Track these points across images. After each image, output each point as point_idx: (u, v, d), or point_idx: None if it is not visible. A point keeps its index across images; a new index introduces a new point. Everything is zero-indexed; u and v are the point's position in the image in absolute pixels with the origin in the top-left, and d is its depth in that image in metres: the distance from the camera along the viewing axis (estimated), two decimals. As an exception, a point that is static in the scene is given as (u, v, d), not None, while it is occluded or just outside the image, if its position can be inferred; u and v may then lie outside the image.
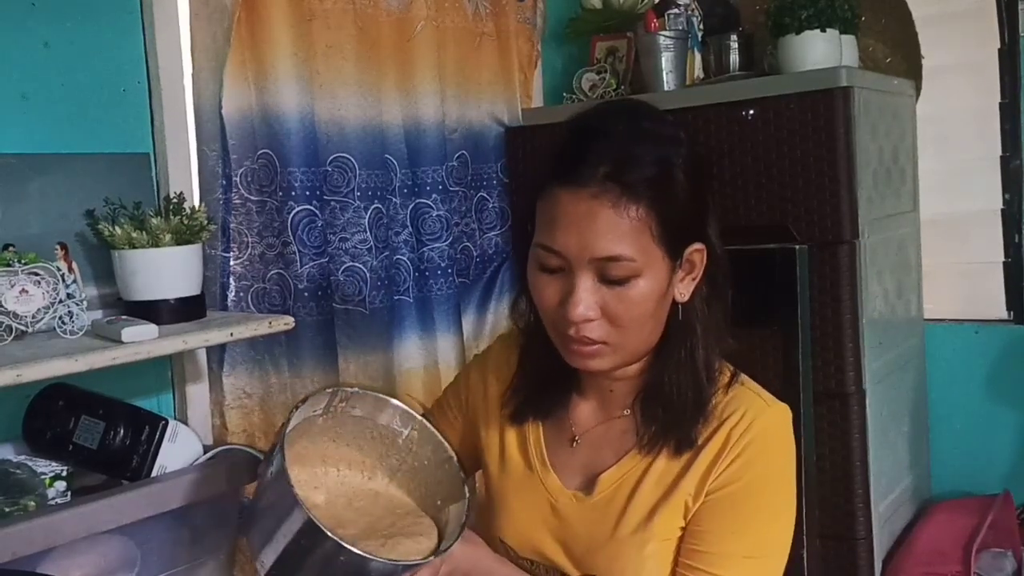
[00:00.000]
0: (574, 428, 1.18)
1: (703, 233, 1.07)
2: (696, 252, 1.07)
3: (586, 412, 1.18)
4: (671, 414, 1.09)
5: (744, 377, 1.14)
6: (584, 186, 1.00)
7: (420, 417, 1.14)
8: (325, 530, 0.95)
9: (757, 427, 1.08)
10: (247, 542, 1.09)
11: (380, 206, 1.89)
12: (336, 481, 1.14)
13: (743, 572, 1.07)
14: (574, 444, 1.17)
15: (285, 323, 1.52)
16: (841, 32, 1.97)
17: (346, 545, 0.95)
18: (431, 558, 1.03)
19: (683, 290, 1.08)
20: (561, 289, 1.04)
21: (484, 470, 1.24)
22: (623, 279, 1.02)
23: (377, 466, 1.17)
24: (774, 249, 1.85)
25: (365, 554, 0.96)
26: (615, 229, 1.00)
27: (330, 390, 1.09)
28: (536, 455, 1.18)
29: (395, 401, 1.14)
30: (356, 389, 1.11)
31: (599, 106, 1.12)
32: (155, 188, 1.62)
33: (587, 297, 1.02)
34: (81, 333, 1.35)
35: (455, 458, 1.14)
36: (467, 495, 1.11)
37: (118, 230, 1.44)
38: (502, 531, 1.19)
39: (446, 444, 1.14)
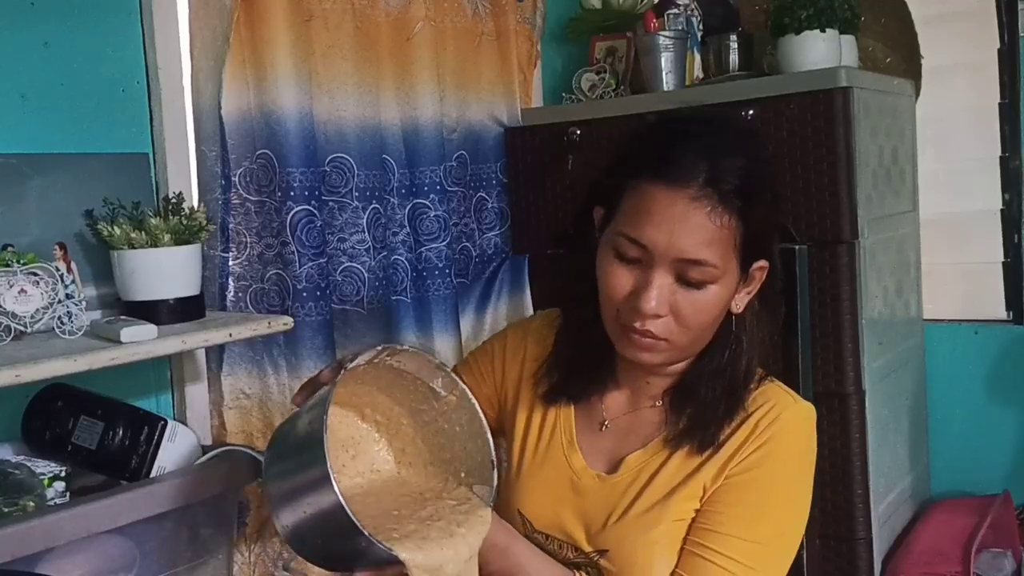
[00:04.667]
0: (605, 413, 1.20)
1: (770, 252, 1.12)
2: (759, 269, 1.11)
3: (619, 400, 1.21)
4: (700, 413, 1.13)
5: (774, 378, 1.17)
6: (684, 187, 1.03)
7: (464, 386, 1.11)
8: (363, 530, 0.91)
9: (783, 420, 1.12)
10: (265, 491, 1.03)
11: (378, 206, 1.89)
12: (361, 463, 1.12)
13: (749, 557, 1.08)
14: (603, 429, 1.20)
15: (284, 323, 1.52)
16: (841, 32, 1.97)
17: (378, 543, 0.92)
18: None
19: (739, 302, 1.11)
20: (635, 280, 1.06)
21: (509, 442, 1.26)
22: (700, 283, 1.05)
23: (404, 415, 1.14)
24: (773, 249, 1.85)
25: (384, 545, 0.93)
26: (705, 234, 1.03)
27: (379, 347, 1.05)
28: (564, 434, 1.21)
29: (442, 365, 1.11)
30: (407, 347, 1.08)
31: (692, 111, 1.15)
32: (154, 188, 1.62)
33: (661, 294, 1.05)
34: (80, 333, 1.35)
35: (491, 441, 1.11)
36: (495, 482, 1.09)
37: (117, 230, 1.43)
38: (521, 503, 1.20)
39: (484, 422, 1.11)
